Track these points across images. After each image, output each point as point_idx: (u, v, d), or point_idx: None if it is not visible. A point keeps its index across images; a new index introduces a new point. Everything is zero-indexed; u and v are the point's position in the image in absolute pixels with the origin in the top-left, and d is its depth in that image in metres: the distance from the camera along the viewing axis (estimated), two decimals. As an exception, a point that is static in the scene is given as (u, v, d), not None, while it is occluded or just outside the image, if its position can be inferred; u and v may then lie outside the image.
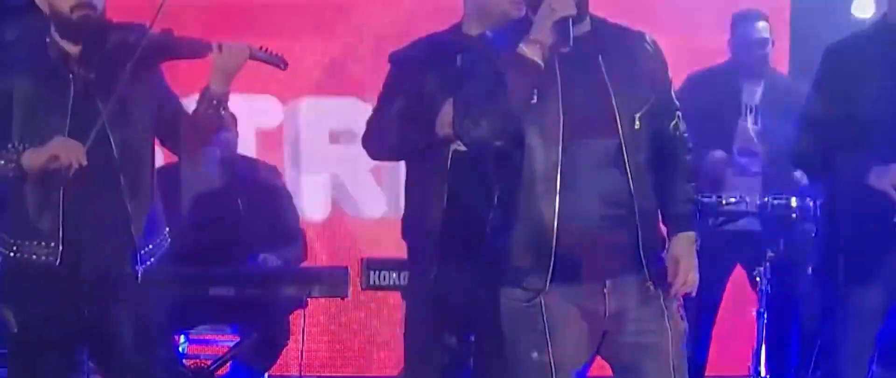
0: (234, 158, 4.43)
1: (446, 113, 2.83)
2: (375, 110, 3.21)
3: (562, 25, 2.42)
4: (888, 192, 2.93)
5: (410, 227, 3.18)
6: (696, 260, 2.64)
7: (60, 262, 2.86)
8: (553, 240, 2.50)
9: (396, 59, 3.18)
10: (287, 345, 4.39)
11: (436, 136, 2.97)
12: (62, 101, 2.86)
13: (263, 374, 4.43)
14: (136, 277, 2.92)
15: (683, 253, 2.59)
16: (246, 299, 4.11)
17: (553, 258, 2.50)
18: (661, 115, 2.60)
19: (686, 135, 2.67)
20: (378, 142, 3.21)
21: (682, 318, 2.64)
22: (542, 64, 2.43)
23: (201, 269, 4.02)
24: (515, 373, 2.62)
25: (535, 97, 2.47)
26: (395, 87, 3.14)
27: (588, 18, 2.56)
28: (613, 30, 2.63)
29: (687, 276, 2.59)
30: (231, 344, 4.50)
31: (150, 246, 2.98)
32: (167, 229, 3.08)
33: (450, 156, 2.99)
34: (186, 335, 4.56)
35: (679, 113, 2.64)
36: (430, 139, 2.99)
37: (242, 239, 4.29)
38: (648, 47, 2.62)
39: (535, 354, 2.54)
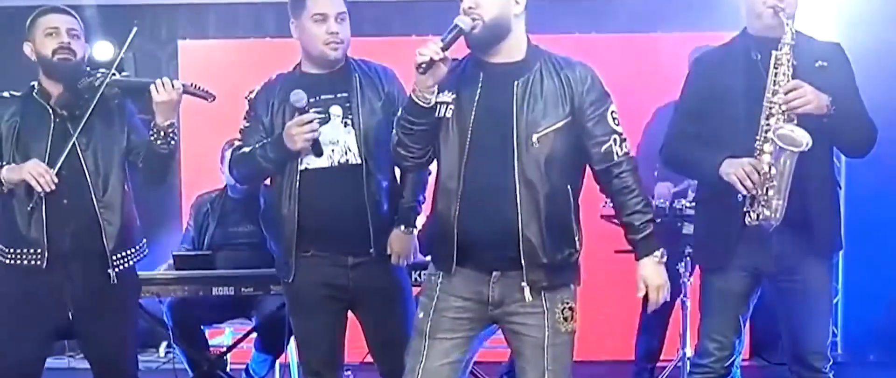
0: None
1: None
2: None
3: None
4: (732, 181, 3.02)
5: None
6: (664, 274, 2.84)
7: (46, 266, 3.20)
8: (454, 229, 2.77)
9: None
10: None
11: None
12: (44, 131, 3.22)
13: (275, 359, 4.64)
14: (111, 280, 3.25)
15: (650, 274, 2.82)
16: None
17: (455, 247, 2.78)
18: (586, 138, 2.79)
19: (628, 154, 2.83)
20: None
21: (566, 320, 2.82)
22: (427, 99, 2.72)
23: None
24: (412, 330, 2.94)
25: (450, 112, 2.77)
26: None
27: (523, 47, 2.80)
28: (545, 60, 2.81)
29: (657, 295, 2.83)
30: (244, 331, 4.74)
31: (123, 254, 3.31)
32: (144, 241, 3.43)
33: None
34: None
35: (617, 137, 2.80)
36: None
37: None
38: (577, 77, 2.78)
39: (421, 315, 2.87)
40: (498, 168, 2.74)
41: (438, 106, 2.79)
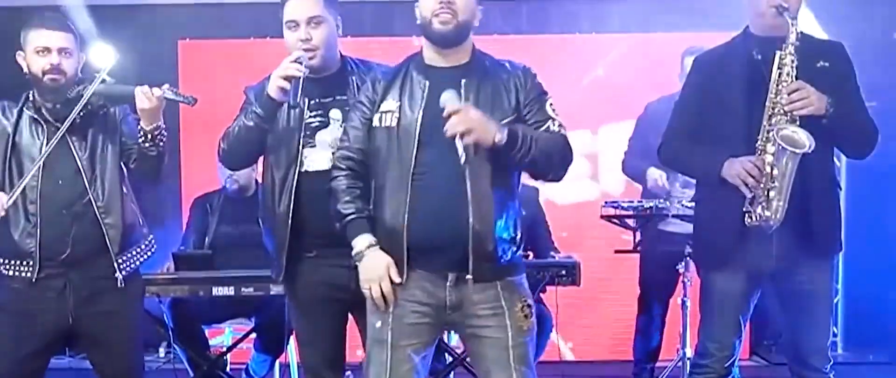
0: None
1: None
2: None
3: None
4: (735, 181, 3.04)
5: None
6: (487, 126, 2.68)
7: (43, 276, 3.22)
8: (404, 235, 2.77)
9: None
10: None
11: None
12: (37, 138, 3.25)
13: (275, 359, 4.71)
14: (117, 283, 3.27)
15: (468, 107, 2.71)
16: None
17: (406, 250, 2.77)
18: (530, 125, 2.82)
19: (561, 133, 2.83)
20: None
21: (526, 317, 2.83)
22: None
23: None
24: (368, 339, 2.91)
25: (393, 120, 2.79)
26: None
27: (469, 51, 2.86)
28: (489, 62, 2.89)
29: (463, 117, 2.66)
30: (244, 331, 4.80)
31: (128, 255, 3.33)
32: (151, 238, 3.47)
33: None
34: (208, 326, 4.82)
35: (553, 122, 2.82)
36: None
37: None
38: (519, 77, 2.86)
39: (378, 324, 2.85)
40: (447, 168, 2.74)
41: (382, 115, 2.83)
